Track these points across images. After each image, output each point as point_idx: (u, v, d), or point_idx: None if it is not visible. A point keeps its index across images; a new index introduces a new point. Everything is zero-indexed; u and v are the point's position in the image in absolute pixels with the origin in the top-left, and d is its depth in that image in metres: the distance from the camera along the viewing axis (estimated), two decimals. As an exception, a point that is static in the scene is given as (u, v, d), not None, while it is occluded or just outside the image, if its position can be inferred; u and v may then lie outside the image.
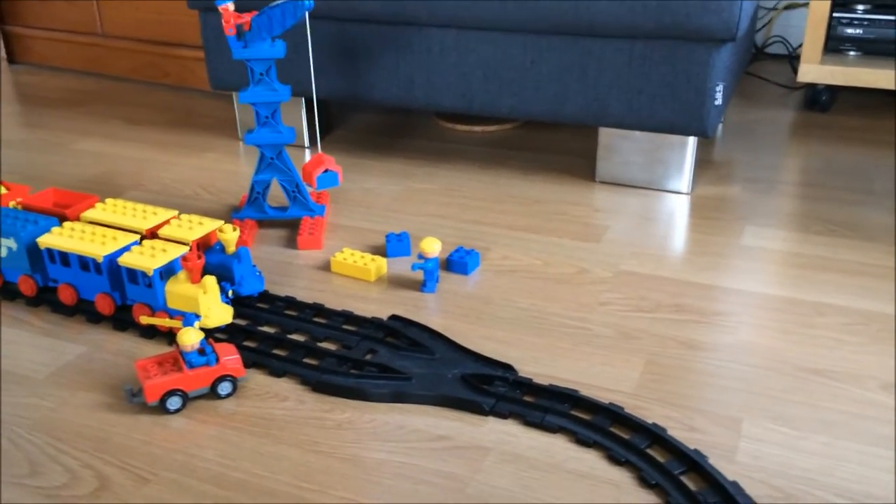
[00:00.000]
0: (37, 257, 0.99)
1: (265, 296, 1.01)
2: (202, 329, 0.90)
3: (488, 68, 1.31)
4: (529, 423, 0.78)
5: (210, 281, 0.90)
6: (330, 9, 1.34)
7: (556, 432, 0.77)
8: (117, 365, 0.89)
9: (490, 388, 0.82)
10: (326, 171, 1.09)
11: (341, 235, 1.19)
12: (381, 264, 1.07)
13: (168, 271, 0.92)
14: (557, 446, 0.75)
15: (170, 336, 0.94)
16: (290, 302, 1.00)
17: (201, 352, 0.83)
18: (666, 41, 1.18)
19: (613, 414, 0.77)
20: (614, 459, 0.73)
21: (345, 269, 1.07)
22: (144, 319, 0.93)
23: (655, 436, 0.74)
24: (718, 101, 1.19)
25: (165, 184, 1.40)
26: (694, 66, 1.18)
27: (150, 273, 0.90)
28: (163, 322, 0.92)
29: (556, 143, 1.57)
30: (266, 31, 1.07)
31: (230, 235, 0.98)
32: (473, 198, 1.32)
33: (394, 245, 1.11)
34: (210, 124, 1.73)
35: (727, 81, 1.22)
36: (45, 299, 1.02)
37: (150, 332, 0.94)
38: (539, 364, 0.87)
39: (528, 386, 0.82)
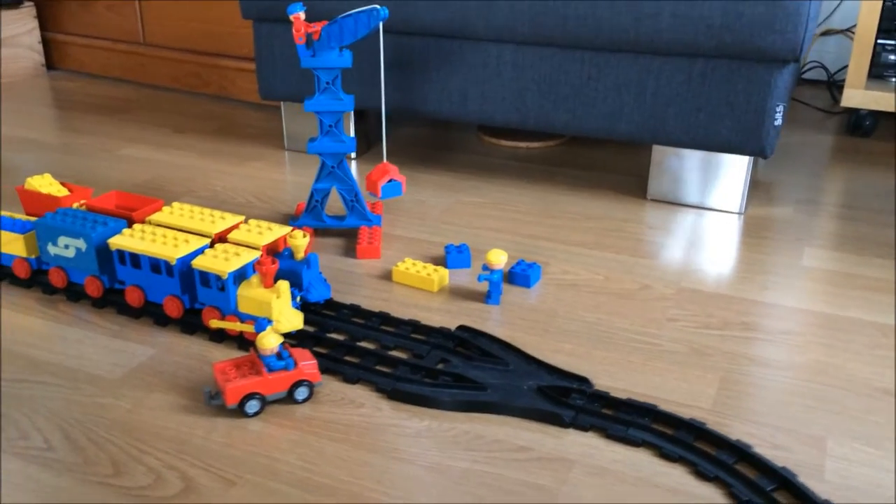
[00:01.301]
0: (106, 259, 1.00)
1: (330, 303, 1.01)
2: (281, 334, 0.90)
3: (544, 84, 1.32)
4: (611, 437, 0.77)
5: (283, 286, 0.90)
6: (387, 22, 1.35)
7: (640, 446, 0.76)
8: (189, 367, 0.89)
9: (568, 400, 0.82)
10: (391, 180, 1.10)
11: (397, 246, 1.19)
12: (443, 275, 1.07)
13: (240, 275, 0.93)
14: (643, 460, 0.75)
15: (239, 340, 0.94)
16: (356, 310, 1.00)
17: (279, 356, 0.83)
18: (727, 60, 1.19)
19: (696, 429, 0.77)
20: (702, 475, 0.73)
21: (407, 279, 1.08)
22: (214, 323, 0.93)
23: (741, 452, 0.74)
24: (778, 122, 1.20)
25: (216, 191, 1.41)
26: (755, 86, 1.18)
27: (225, 276, 0.91)
28: (233, 326, 0.92)
29: (601, 161, 1.58)
30: (336, 40, 1.08)
31: (300, 241, 0.98)
32: (525, 212, 1.32)
33: (454, 256, 1.11)
34: (254, 134, 1.74)
35: (786, 102, 1.23)
36: (110, 301, 1.02)
37: (219, 336, 0.94)
38: (613, 378, 0.87)
39: (605, 399, 0.82)
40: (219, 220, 1.02)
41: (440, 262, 1.13)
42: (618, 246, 1.20)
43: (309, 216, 1.20)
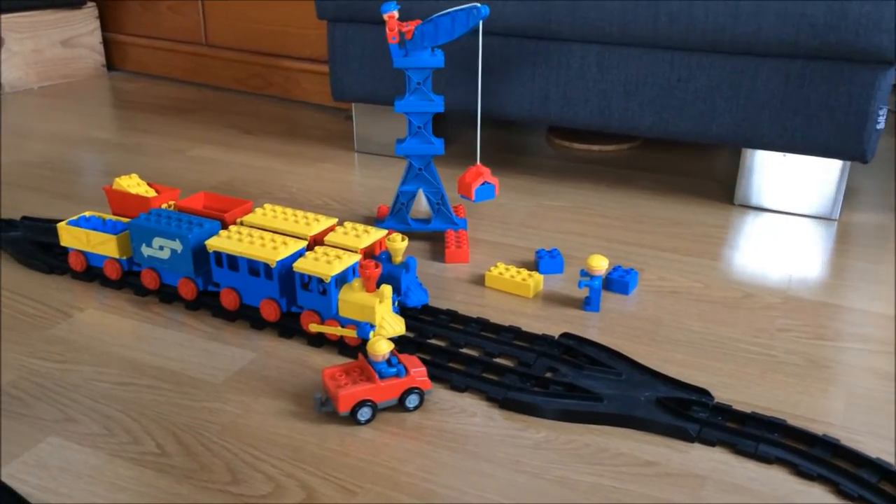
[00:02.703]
0: (201, 260, 0.99)
1: (427, 308, 0.99)
2: (376, 339, 0.88)
3: (630, 85, 1.28)
4: (741, 452, 0.74)
5: (387, 290, 0.88)
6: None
7: (773, 463, 0.73)
8: (292, 372, 0.87)
9: (689, 413, 0.79)
10: (484, 183, 1.07)
11: (484, 250, 1.17)
12: (538, 280, 1.05)
13: (342, 279, 0.91)
14: (778, 478, 0.71)
15: (339, 345, 0.92)
16: (454, 315, 0.97)
17: (389, 363, 0.81)
18: (828, 61, 1.15)
19: (832, 446, 0.74)
20: (845, 494, 0.69)
21: (501, 285, 1.05)
22: (314, 327, 0.91)
23: (883, 471, 0.70)
24: (881, 125, 1.16)
25: (293, 192, 1.40)
26: (857, 88, 1.14)
27: (328, 280, 0.89)
28: (334, 331, 0.90)
29: (679, 164, 1.54)
30: (430, 39, 1.06)
31: (399, 245, 0.96)
32: (609, 217, 1.29)
33: (547, 261, 1.09)
34: (321, 136, 1.73)
35: (889, 104, 1.19)
36: (204, 303, 1.01)
37: (318, 341, 0.93)
38: (731, 390, 0.83)
39: (729, 412, 0.79)
40: (314, 223, 1.00)
41: (530, 266, 1.10)
42: (712, 252, 1.16)
43: (394, 219, 1.18)
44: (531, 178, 1.46)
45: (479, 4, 1.02)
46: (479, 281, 1.08)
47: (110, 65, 2.32)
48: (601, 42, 1.28)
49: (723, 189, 1.40)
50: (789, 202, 1.28)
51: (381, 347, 0.79)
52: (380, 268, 0.88)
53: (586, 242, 1.19)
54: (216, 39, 2.09)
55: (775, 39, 1.15)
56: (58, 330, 0.95)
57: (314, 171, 1.51)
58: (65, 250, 1.10)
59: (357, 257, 0.92)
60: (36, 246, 1.15)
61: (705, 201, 1.35)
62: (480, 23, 1.03)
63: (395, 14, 1.06)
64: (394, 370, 0.80)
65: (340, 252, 0.92)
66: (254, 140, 1.70)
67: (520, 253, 1.16)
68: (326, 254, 0.92)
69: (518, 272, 1.05)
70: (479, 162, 1.09)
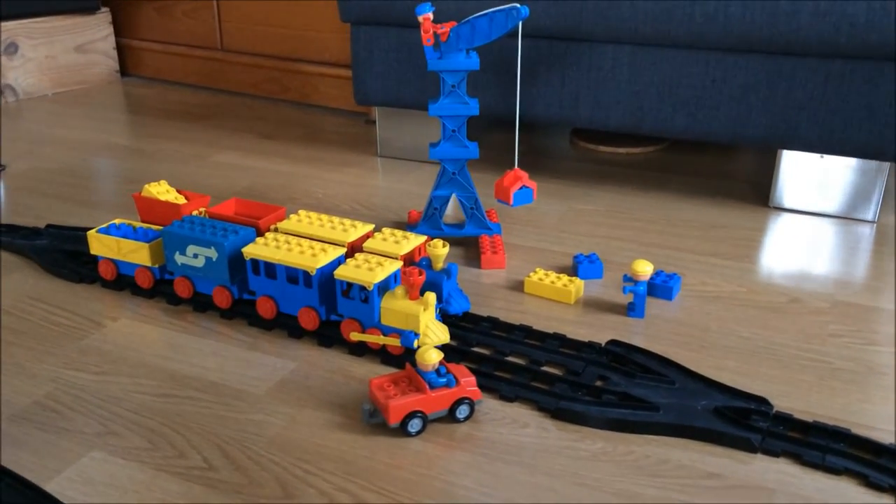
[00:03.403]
0: (237, 268, 0.97)
1: (468, 316, 0.97)
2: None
3: (664, 86, 1.26)
4: (807, 464, 0.72)
5: (431, 298, 0.86)
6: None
7: (841, 474, 0.71)
8: (335, 382, 0.85)
9: (749, 422, 0.76)
10: (523, 187, 1.05)
11: (518, 255, 1.15)
12: (579, 286, 1.02)
13: (384, 286, 0.89)
14: (850, 490, 0.69)
15: (382, 354, 0.89)
16: (495, 323, 0.95)
17: (438, 373, 0.79)
18: (868, 60, 1.13)
19: (901, 456, 0.71)
20: (920, 507, 0.67)
21: (541, 291, 1.03)
22: (355, 336, 0.89)
23: (957, 482, 0.68)
24: (923, 126, 1.14)
25: (319, 198, 1.38)
26: (899, 88, 1.12)
27: (370, 287, 0.87)
28: (376, 339, 0.88)
29: (709, 167, 1.52)
30: (466, 41, 1.04)
31: (441, 251, 0.94)
32: (643, 220, 1.27)
33: (586, 267, 1.07)
34: (342, 140, 1.71)
35: (930, 105, 1.17)
36: (239, 312, 0.98)
37: (360, 350, 0.90)
38: (788, 398, 0.81)
39: (790, 422, 0.77)
40: (351, 229, 0.98)
41: (568, 271, 1.08)
42: (751, 256, 1.14)
43: (426, 224, 1.16)
44: (559, 181, 1.44)
45: (518, 5, 1.00)
46: (517, 287, 1.06)
47: (124, 70, 2.30)
48: (634, 43, 1.26)
49: (756, 191, 1.38)
50: (826, 204, 1.26)
51: (430, 357, 0.77)
52: (424, 275, 0.86)
53: (623, 247, 1.17)
54: (232, 44, 2.08)
55: (814, 39, 1.13)
56: (91, 340, 0.93)
57: (338, 177, 1.49)
58: (93, 259, 1.08)
59: (399, 264, 0.90)
60: (63, 254, 1.13)
61: (740, 204, 1.33)
62: (520, 24, 1.01)
63: (430, 16, 1.04)
64: (444, 380, 0.78)
65: (381, 259, 0.90)
66: (274, 145, 1.68)
67: (556, 258, 1.14)
68: (367, 261, 0.90)
69: (558, 277, 1.03)
70: (516, 165, 1.07)
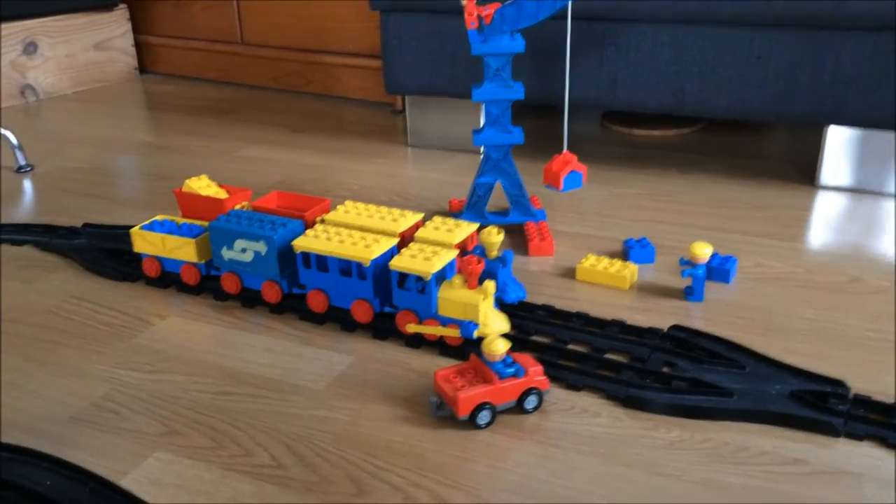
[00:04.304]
0: (287, 262, 0.95)
1: (523, 304, 0.95)
2: (479, 338, 0.84)
3: (706, 65, 1.24)
4: (894, 446, 0.70)
5: (490, 287, 0.84)
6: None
7: (930, 457, 0.69)
8: (394, 375, 0.83)
9: (828, 405, 0.74)
10: (572, 171, 1.03)
11: (565, 241, 1.12)
12: (633, 271, 1.00)
13: (440, 276, 0.87)
14: (941, 473, 0.67)
15: (440, 345, 0.87)
16: (551, 311, 0.93)
17: (504, 362, 0.77)
18: (920, 33, 1.10)
19: None
20: None
21: (594, 277, 1.01)
22: (412, 328, 0.87)
23: None
24: (979, 97, 1.11)
25: (354, 190, 1.36)
26: (954, 60, 1.09)
27: (428, 278, 0.85)
28: (434, 331, 0.86)
29: (748, 147, 1.49)
30: (511, 23, 1.01)
31: (495, 238, 0.91)
32: (687, 203, 1.24)
33: (637, 251, 1.04)
34: (370, 131, 1.69)
35: (985, 76, 1.14)
36: (288, 306, 0.97)
37: (416, 342, 0.88)
38: (864, 380, 0.79)
39: (870, 404, 0.74)
40: (400, 219, 0.96)
41: (617, 257, 1.06)
42: (803, 236, 1.12)
43: (471, 212, 1.14)
44: (595, 165, 1.41)
45: (566, -16, 0.97)
46: (568, 274, 1.04)
47: (143, 68, 2.28)
48: (674, 21, 1.23)
49: (800, 170, 1.35)
50: (875, 181, 1.23)
51: (497, 347, 0.75)
52: (482, 263, 0.84)
53: (670, 230, 1.15)
54: (252, 38, 2.05)
55: (865, 12, 1.10)
56: (141, 339, 0.92)
57: (371, 168, 1.47)
58: (135, 257, 1.07)
59: (455, 253, 0.88)
60: (103, 253, 1.11)
61: (784, 183, 1.30)
62: (569, 4, 0.98)
63: (474, -1, 1.01)
64: (512, 370, 0.76)
65: (436, 248, 0.88)
66: (302, 138, 1.65)
67: (603, 243, 1.11)
68: (423, 250, 0.88)
69: (611, 263, 1.01)
70: (566, 149, 1.05)
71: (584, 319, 0.91)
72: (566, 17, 1.29)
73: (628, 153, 1.49)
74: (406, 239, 0.95)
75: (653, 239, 1.10)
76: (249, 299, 0.98)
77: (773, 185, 1.30)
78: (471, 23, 1.02)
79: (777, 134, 1.59)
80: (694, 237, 1.11)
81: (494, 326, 0.85)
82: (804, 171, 1.34)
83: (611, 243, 1.11)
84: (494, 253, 0.93)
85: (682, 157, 1.45)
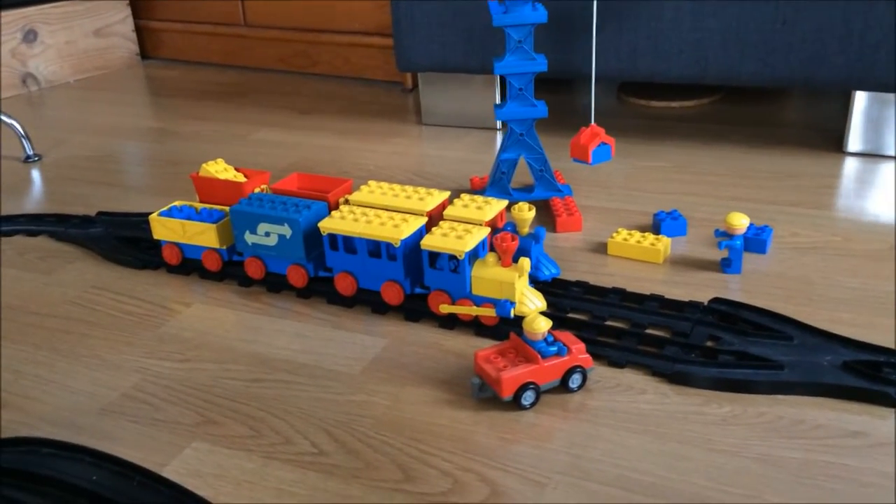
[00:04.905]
0: (313, 244, 0.92)
1: (556, 281, 0.93)
2: (517, 317, 0.82)
3: (729, 32, 1.20)
4: (953, 415, 0.68)
5: (525, 264, 0.82)
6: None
7: None
8: (431, 357, 0.81)
9: (882, 375, 0.72)
10: (601, 143, 1.00)
11: (592, 216, 1.10)
12: (667, 244, 0.98)
13: (473, 255, 0.84)
14: None
15: (475, 325, 0.85)
16: (586, 287, 0.91)
17: (546, 341, 0.75)
18: (954, -9, 1.07)
19: None
20: None
21: (626, 251, 0.98)
22: (445, 308, 0.85)
23: None
24: None
25: (371, 170, 1.33)
26: None
27: (461, 257, 0.82)
28: (469, 311, 0.84)
29: (770, 116, 1.46)
30: (534, -7, 0.98)
31: (527, 215, 0.89)
32: (714, 174, 1.21)
33: (669, 224, 1.02)
34: (380, 110, 1.66)
35: None
36: (315, 290, 0.94)
37: (450, 322, 0.86)
38: (915, 348, 0.77)
39: (925, 372, 0.73)
40: (427, 197, 0.93)
41: (647, 230, 1.04)
42: (837, 204, 1.09)
43: (494, 189, 1.11)
44: (617, 138, 1.38)
45: (591, -51, 0.94)
46: (598, 249, 1.01)
47: (144, 53, 2.24)
48: (697, -12, 1.20)
49: (826, 137, 1.32)
50: (905, 147, 1.21)
51: (539, 325, 0.73)
52: (517, 241, 0.82)
53: (699, 202, 1.12)
54: (255, 19, 2.01)
55: (897, -30, 1.07)
56: (168, 328, 0.89)
57: (386, 147, 1.44)
58: (153, 244, 1.04)
59: (487, 231, 0.86)
60: (121, 241, 1.09)
61: (812, 151, 1.27)
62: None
63: (495, -33, 0.98)
64: (555, 348, 0.73)
65: (468, 226, 0.86)
66: (312, 119, 1.62)
67: (631, 217, 1.09)
68: (454, 228, 0.85)
69: (644, 237, 0.99)
70: (593, 122, 1.02)
71: (620, 295, 0.89)
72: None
73: (647, 125, 1.46)
74: (434, 218, 0.92)
75: (682, 211, 1.08)
76: (274, 284, 0.96)
77: (799, 153, 1.27)
78: (493, -7, 0.99)
79: (796, 101, 1.56)
80: (724, 208, 1.09)
81: (531, 304, 0.83)
82: (829, 138, 1.31)
83: (639, 217, 1.09)
84: (526, 229, 0.90)
85: (703, 128, 1.42)
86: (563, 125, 1.34)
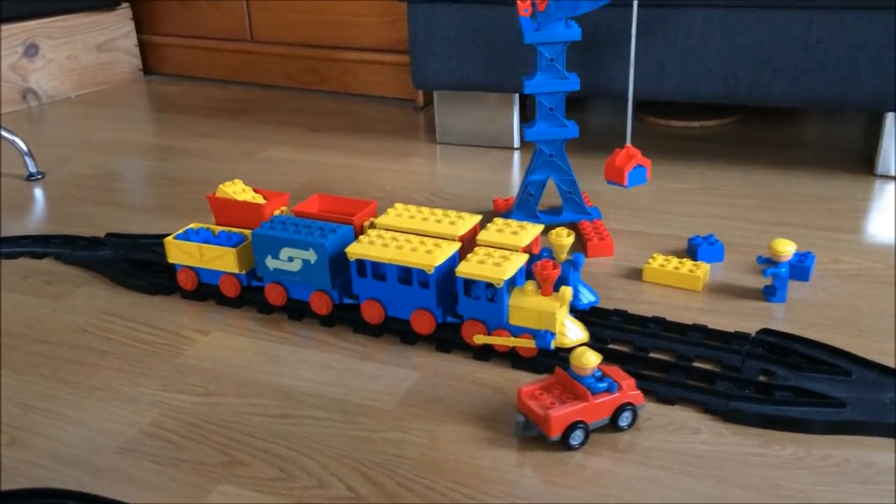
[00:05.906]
0: (339, 270, 0.88)
1: (594, 310, 0.88)
2: (557, 349, 0.78)
3: (761, 51, 1.17)
4: None
5: (567, 292, 0.78)
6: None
7: None
8: (467, 392, 0.77)
9: (950, 414, 0.68)
10: (637, 166, 0.97)
11: (622, 240, 1.06)
12: (706, 271, 0.94)
13: (511, 283, 0.80)
14: None
15: (512, 357, 0.81)
16: (625, 315, 0.87)
17: (594, 376, 0.70)
18: None
19: None
20: None
21: (664, 278, 0.94)
22: (480, 339, 0.81)
23: None
24: None
25: (388, 190, 1.29)
26: None
27: (500, 285, 0.78)
28: (506, 342, 0.80)
29: (796, 136, 1.43)
30: (568, 10, 0.95)
31: (565, 240, 0.85)
32: (743, 196, 1.18)
33: (705, 249, 0.98)
34: (393, 129, 1.62)
35: None
36: (339, 318, 0.90)
37: (485, 354, 0.82)
38: (980, 384, 0.73)
39: None
40: (458, 221, 0.89)
41: (682, 255, 1.00)
42: (874, 229, 1.06)
43: (521, 211, 1.07)
44: (639, 160, 1.35)
45: (629, -35, 0.91)
46: (632, 275, 0.97)
47: (147, 69, 2.20)
48: (727, 5, 1.16)
49: (853, 159, 1.29)
50: (939, 169, 1.18)
51: (589, 360, 0.69)
52: (559, 268, 0.78)
53: (731, 225, 1.08)
54: (262, 35, 1.98)
55: (936, -10, 1.04)
56: (186, 358, 0.85)
57: (401, 167, 1.40)
58: (167, 268, 1.00)
59: (525, 257, 0.82)
60: (131, 264, 1.04)
61: (842, 173, 1.24)
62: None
63: (528, -17, 0.95)
64: (604, 384, 0.69)
65: (505, 252, 0.82)
66: (323, 138, 1.58)
67: (663, 241, 1.05)
68: (490, 255, 0.81)
69: (681, 263, 0.95)
70: (629, 142, 0.98)
71: (661, 324, 0.85)
72: (615, 5, 1.23)
73: (669, 145, 1.42)
74: (466, 243, 0.88)
75: (717, 235, 1.04)
76: (296, 311, 0.91)
77: (829, 175, 1.24)
78: (524, 10, 0.95)
79: (817, 121, 1.53)
80: (759, 232, 1.05)
81: (573, 336, 0.79)
82: (857, 160, 1.28)
83: (672, 241, 1.05)
84: (564, 256, 0.86)
85: (728, 149, 1.38)
86: (586, 145, 1.31)
